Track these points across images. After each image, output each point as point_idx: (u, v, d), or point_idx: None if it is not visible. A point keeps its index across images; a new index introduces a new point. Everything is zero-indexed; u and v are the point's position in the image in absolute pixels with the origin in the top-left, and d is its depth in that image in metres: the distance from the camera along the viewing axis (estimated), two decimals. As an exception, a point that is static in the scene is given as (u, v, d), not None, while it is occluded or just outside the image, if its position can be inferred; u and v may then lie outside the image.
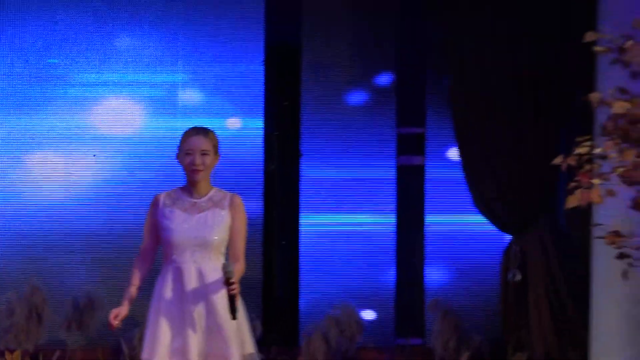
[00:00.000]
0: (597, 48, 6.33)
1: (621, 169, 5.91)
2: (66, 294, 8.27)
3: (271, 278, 9.42)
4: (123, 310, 4.95)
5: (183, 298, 5.00)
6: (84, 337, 8.14)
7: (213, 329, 5.00)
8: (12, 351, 7.93)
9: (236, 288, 4.83)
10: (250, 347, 5.04)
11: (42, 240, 8.80)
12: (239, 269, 4.96)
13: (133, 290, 4.96)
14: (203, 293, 5.00)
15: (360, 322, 8.65)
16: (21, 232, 8.66)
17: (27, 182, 8.94)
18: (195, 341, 5.01)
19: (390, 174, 9.15)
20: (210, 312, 5.00)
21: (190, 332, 5.03)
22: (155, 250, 5.12)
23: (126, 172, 8.94)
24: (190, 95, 9.21)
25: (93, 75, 9.10)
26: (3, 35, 8.92)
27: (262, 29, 9.12)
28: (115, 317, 4.90)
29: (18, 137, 8.96)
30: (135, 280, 5.00)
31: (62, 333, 8.16)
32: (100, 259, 8.71)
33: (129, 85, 9.07)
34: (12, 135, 8.95)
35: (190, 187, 5.04)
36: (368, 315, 8.97)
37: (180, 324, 5.08)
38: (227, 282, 4.77)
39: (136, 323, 7.43)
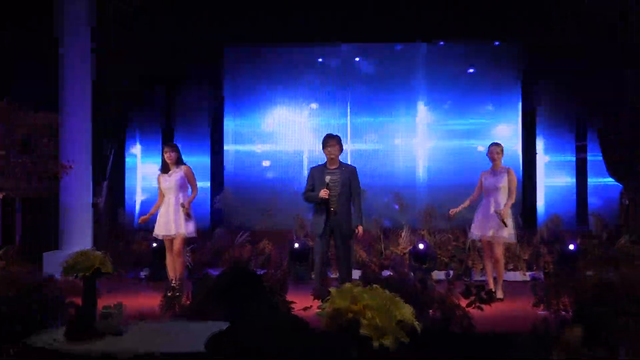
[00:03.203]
0: None
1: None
2: (442, 209, 13.18)
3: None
4: (456, 209, 10.47)
5: (489, 211, 10.49)
6: (449, 225, 13.36)
7: (499, 222, 10.37)
8: (422, 230, 13.46)
9: (502, 214, 10.10)
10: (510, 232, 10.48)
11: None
12: (508, 204, 10.26)
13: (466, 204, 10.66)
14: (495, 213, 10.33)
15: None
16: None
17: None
18: (491, 226, 10.45)
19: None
20: (500, 221, 10.35)
21: (490, 222, 10.47)
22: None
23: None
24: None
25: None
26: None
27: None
28: (452, 212, 10.49)
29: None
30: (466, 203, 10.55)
31: (442, 223, 13.43)
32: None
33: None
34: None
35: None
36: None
37: (485, 219, 10.60)
38: (497, 212, 10.19)
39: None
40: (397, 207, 14.20)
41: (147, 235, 12.64)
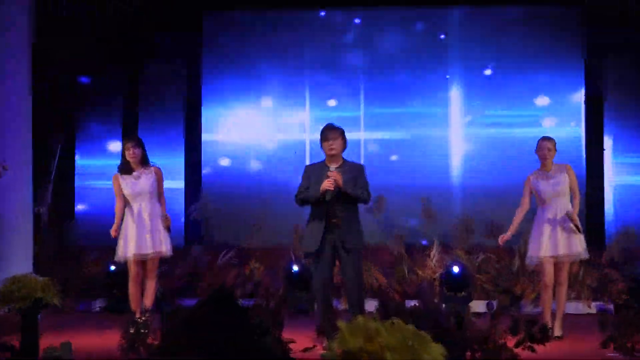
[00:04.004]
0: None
1: None
2: (484, 220, 13.42)
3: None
4: (507, 236, 10.53)
5: (555, 225, 10.45)
6: (494, 242, 11.76)
7: (569, 235, 10.43)
8: (457, 249, 13.31)
9: (574, 218, 10.33)
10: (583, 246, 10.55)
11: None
12: (576, 210, 10.41)
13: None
14: (564, 219, 10.42)
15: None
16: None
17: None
18: (559, 242, 10.39)
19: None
20: (569, 228, 10.42)
21: (558, 237, 10.38)
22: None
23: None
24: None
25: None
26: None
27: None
28: (502, 239, 10.57)
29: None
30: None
31: (482, 239, 13.35)
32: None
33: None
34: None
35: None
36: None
37: (552, 233, 10.43)
38: (568, 214, 10.28)
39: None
40: (422, 216, 14.27)
41: (103, 254, 12.53)
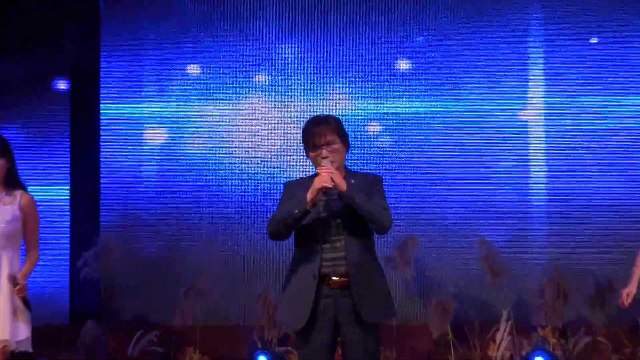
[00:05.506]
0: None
1: None
2: (589, 276, 13.53)
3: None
4: (632, 289, 9.82)
5: None
6: (606, 315, 13.38)
7: None
8: (543, 327, 13.25)
9: None
10: None
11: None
12: None
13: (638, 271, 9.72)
14: None
15: None
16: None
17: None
18: None
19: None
20: None
21: None
22: None
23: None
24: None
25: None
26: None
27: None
28: (627, 295, 9.83)
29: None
30: None
31: (585, 311, 13.46)
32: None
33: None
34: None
35: None
36: None
37: None
38: None
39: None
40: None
41: None
